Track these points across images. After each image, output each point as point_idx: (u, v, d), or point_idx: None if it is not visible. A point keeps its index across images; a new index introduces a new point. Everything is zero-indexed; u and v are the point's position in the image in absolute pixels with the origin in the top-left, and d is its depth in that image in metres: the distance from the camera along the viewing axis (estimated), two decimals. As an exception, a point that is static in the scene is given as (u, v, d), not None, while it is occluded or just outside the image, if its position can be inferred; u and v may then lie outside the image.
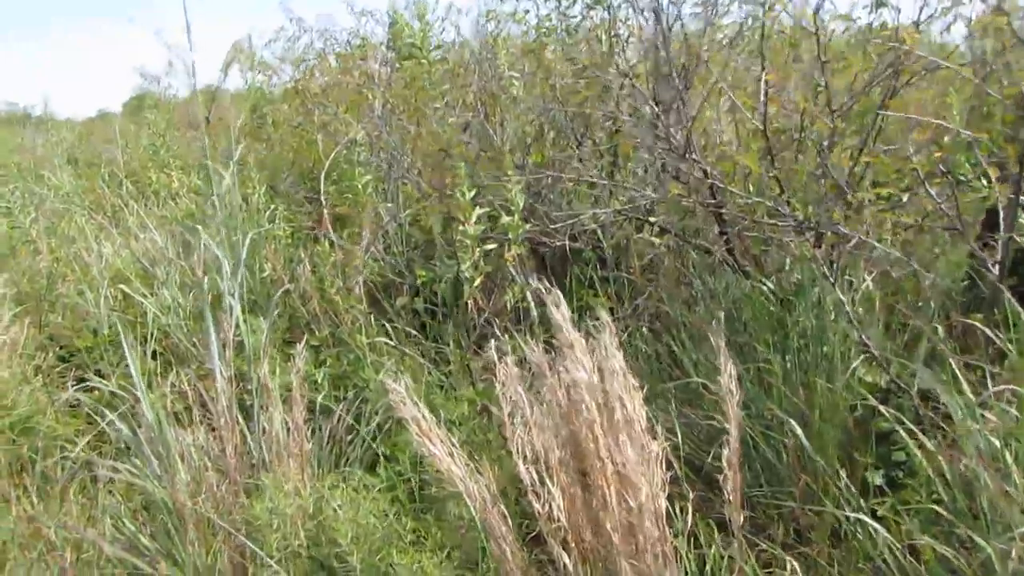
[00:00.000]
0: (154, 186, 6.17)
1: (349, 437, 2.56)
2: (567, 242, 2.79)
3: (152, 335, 3.49)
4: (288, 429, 2.28)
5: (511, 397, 1.93)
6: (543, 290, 1.92)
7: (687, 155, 2.28)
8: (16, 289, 4.03)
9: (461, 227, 2.24)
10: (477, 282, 2.27)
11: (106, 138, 9.16)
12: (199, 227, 2.90)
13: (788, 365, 2.28)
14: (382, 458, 2.54)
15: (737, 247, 2.69)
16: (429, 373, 2.87)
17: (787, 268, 2.52)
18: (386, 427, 2.58)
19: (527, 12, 3.50)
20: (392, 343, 2.85)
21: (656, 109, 2.33)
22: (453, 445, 1.79)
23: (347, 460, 2.47)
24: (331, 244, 3.41)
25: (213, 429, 2.30)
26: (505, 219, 2.24)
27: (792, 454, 2.12)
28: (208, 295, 2.31)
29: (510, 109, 3.48)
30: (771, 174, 2.11)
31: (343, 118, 3.99)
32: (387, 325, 3.12)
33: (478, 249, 2.27)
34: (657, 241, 3.15)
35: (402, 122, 3.57)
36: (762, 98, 2.14)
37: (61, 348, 3.85)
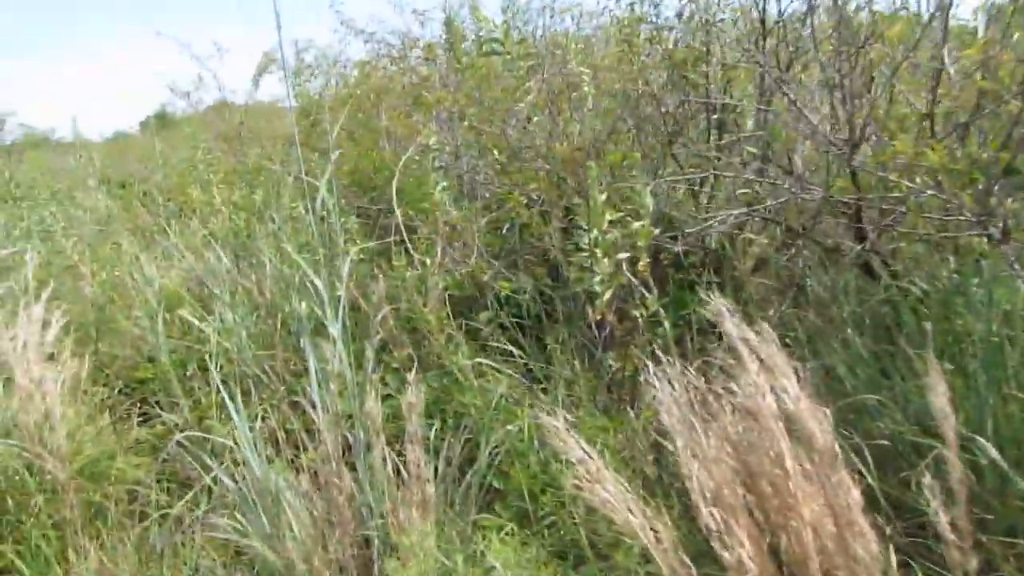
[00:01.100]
0: (194, 203, 5.94)
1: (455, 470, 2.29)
2: (680, 246, 2.51)
3: (216, 362, 3.23)
4: (398, 470, 2.02)
5: (676, 426, 1.66)
6: (719, 304, 1.65)
7: (859, 144, 2.00)
8: (67, 319, 3.80)
9: (591, 235, 1.96)
10: (607, 295, 1.99)
11: (136, 157, 8.98)
12: (286, 247, 2.63)
13: (970, 378, 1.98)
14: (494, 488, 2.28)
15: (878, 246, 2.40)
16: (536, 395, 2.60)
17: (947, 268, 2.23)
18: (497, 457, 2.31)
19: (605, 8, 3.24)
20: (494, 364, 2.58)
21: (840, 91, 2.03)
22: (627, 490, 1.51)
23: (461, 498, 2.20)
24: (408, 257, 3.15)
25: (315, 474, 2.03)
26: (636, 225, 1.96)
27: (994, 478, 1.82)
28: (307, 321, 2.04)
29: (581, 106, 3.22)
30: (956, 165, 1.82)
31: (408, 123, 3.73)
32: (479, 342, 2.85)
33: (609, 260, 1.99)
34: (765, 240, 2.87)
35: (474, 124, 3.30)
36: (946, 74, 1.86)
37: (117, 379, 3.62)
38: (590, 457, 1.51)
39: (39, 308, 2.69)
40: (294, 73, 7.19)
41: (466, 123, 3.50)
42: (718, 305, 1.70)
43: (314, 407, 2.02)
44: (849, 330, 2.24)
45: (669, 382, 1.69)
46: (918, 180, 1.96)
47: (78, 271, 4.89)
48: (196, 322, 3.42)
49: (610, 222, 1.98)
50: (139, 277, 4.46)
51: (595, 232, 1.96)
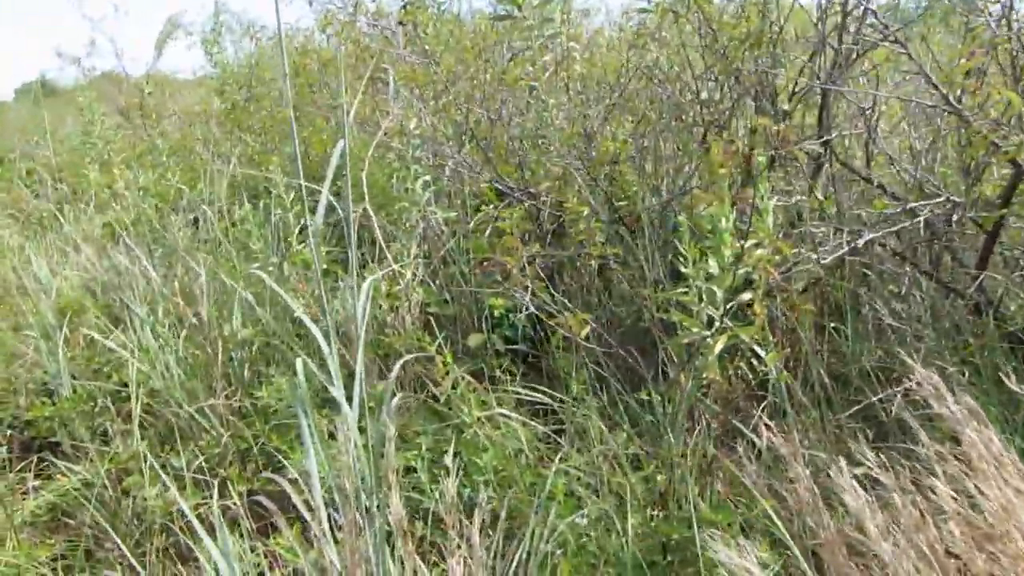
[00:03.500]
0: (91, 186, 5.08)
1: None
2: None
3: (136, 396, 2.54)
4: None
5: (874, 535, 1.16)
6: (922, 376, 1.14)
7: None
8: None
9: (706, 264, 1.41)
10: (718, 348, 1.45)
11: (15, 128, 7.89)
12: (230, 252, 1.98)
13: None
14: None
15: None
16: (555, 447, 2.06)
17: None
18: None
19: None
20: (509, 413, 2.02)
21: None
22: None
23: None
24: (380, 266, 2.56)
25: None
26: (759, 252, 1.42)
27: None
28: (339, 366, 1.42)
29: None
30: None
31: (370, 101, 3.11)
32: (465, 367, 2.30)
33: (723, 300, 1.44)
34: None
35: (463, 106, 2.72)
36: None
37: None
38: None
39: None
40: (206, 41, 6.39)
41: (442, 103, 2.90)
42: (922, 378, 1.20)
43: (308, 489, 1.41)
44: None
45: (862, 483, 1.19)
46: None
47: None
48: (108, 343, 2.71)
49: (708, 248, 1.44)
50: (27, 277, 3.67)
51: (711, 262, 1.43)
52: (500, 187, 2.59)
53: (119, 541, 1.92)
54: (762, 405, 1.96)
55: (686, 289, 1.52)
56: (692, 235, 1.52)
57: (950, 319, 2.08)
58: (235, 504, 1.73)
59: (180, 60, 16.77)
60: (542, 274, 2.53)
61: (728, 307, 1.47)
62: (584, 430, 2.19)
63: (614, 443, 2.05)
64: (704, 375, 1.56)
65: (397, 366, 1.59)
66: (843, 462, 1.26)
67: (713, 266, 1.46)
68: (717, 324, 1.49)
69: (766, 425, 1.48)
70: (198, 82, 8.62)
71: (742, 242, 1.43)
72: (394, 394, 1.69)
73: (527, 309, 2.65)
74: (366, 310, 1.45)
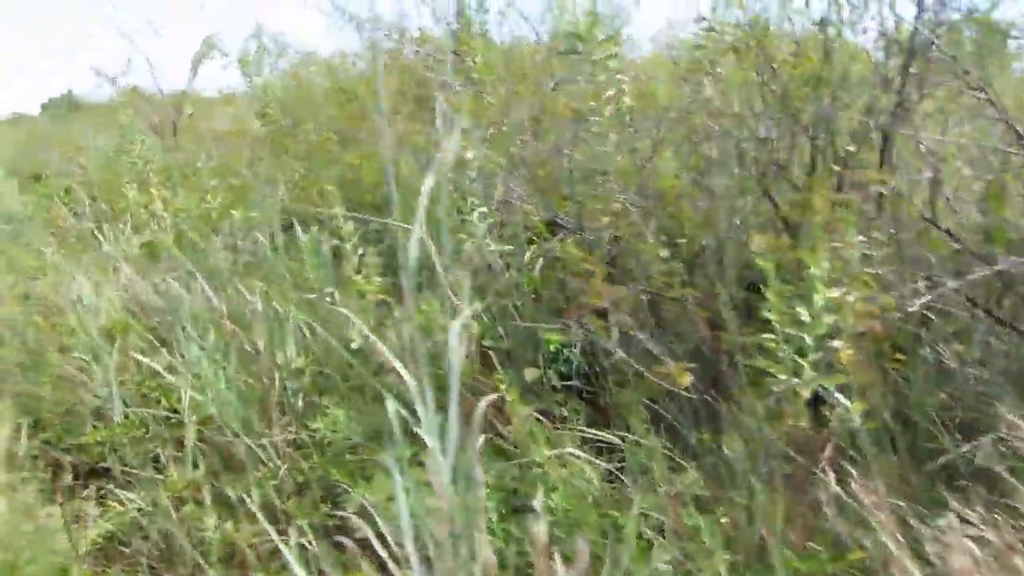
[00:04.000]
0: (129, 205, 5.11)
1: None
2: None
3: (188, 421, 2.55)
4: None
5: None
6: None
7: None
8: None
9: (805, 310, 1.39)
10: (806, 395, 1.43)
11: (51, 144, 7.95)
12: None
13: None
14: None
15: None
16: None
17: None
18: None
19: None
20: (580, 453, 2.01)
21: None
22: None
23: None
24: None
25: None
26: (852, 300, 1.40)
27: None
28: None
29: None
30: None
31: (420, 129, 3.12)
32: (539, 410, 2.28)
33: (810, 347, 1.42)
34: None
35: (521, 138, 2.73)
36: None
37: (45, 434, 2.87)
38: None
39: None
40: (243, 62, 6.45)
41: (494, 132, 2.91)
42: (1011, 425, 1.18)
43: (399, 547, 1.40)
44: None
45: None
46: None
47: (-11, 285, 4.08)
48: (159, 369, 2.72)
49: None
50: (70, 296, 3.68)
51: (799, 309, 1.42)
52: (560, 221, 2.59)
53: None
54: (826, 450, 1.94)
55: (771, 336, 1.51)
56: (774, 278, 1.51)
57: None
58: (310, 543, 1.72)
59: (215, 79, 16.91)
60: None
61: (817, 355, 1.46)
62: (647, 469, 2.17)
63: (681, 484, 2.03)
64: (785, 421, 1.55)
65: (482, 405, 1.59)
66: (953, 518, 1.23)
67: (803, 313, 1.45)
68: (806, 372, 1.48)
69: (843, 472, 1.46)
70: (224, 100, 8.67)
71: (835, 290, 1.42)
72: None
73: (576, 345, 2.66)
74: (459, 354, 1.45)
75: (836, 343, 1.46)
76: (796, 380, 1.48)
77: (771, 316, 1.48)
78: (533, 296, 2.85)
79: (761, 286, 1.51)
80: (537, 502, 1.44)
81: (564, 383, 2.71)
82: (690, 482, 2.05)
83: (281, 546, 1.43)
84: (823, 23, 2.31)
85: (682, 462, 2.15)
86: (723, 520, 1.87)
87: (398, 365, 1.48)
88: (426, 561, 1.41)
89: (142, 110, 7.40)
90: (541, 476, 1.96)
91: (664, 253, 2.02)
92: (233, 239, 3.66)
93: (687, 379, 1.76)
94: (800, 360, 1.48)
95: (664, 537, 1.93)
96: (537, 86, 2.78)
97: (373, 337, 2.07)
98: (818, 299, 1.43)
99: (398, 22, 3.95)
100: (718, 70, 2.70)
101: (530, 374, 2.62)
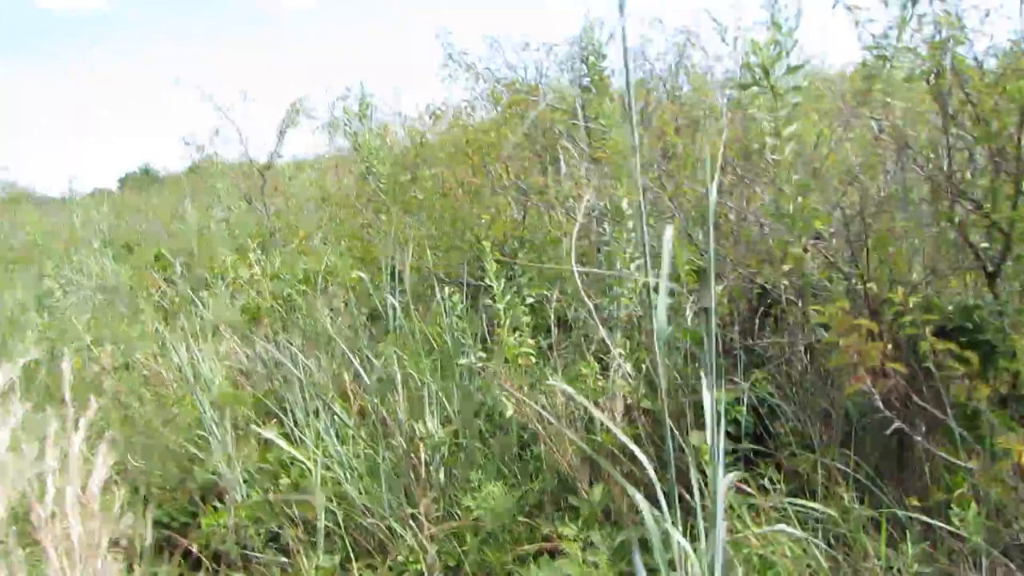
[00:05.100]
0: (224, 271, 5.00)
1: None
2: None
3: (320, 501, 2.28)
4: None
5: None
6: None
7: None
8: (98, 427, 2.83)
9: None
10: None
11: (147, 216, 8.00)
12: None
13: None
14: None
15: None
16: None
17: None
18: None
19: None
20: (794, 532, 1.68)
21: None
22: None
23: None
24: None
25: None
26: None
27: None
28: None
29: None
30: None
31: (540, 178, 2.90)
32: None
33: None
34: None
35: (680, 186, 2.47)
36: None
37: (157, 512, 2.63)
38: None
39: (78, 438, 1.81)
40: (332, 124, 6.41)
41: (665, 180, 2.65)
42: None
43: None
44: None
45: None
46: None
47: (91, 354, 3.94)
48: (280, 442, 2.48)
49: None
50: (175, 366, 3.50)
51: None
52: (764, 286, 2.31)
53: None
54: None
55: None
56: None
57: None
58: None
59: (302, 143, 17.37)
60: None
61: None
62: (854, 542, 1.85)
63: (902, 562, 1.70)
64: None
65: (723, 487, 1.29)
66: None
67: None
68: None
69: None
70: (296, 166, 8.59)
71: None
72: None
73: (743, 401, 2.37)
74: (721, 430, 1.16)
75: None
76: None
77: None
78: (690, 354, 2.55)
79: None
80: None
81: (735, 447, 2.39)
82: (913, 556, 1.71)
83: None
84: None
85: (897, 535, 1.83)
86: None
87: (634, 448, 1.19)
88: None
89: (232, 178, 7.41)
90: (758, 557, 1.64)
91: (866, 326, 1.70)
92: (348, 302, 3.45)
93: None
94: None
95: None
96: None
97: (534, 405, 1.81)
98: None
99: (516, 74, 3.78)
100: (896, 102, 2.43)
101: (695, 437, 2.31)
